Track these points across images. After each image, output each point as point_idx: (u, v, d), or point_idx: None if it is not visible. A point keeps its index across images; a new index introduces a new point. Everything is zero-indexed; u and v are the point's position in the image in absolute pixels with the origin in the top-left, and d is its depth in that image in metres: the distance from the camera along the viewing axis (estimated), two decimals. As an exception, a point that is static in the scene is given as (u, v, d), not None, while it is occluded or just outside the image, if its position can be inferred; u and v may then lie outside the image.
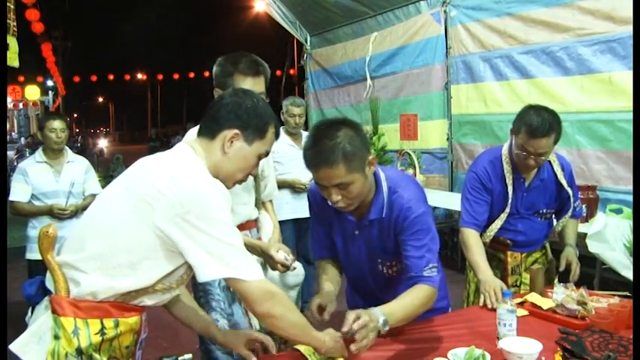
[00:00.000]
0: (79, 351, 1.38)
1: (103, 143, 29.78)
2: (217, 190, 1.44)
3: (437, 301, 1.93)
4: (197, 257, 1.40)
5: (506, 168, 2.40)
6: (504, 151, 2.43)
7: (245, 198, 2.21)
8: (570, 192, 2.44)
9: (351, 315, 1.55)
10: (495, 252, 2.56)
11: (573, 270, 2.40)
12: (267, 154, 1.62)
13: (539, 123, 2.20)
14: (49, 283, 1.47)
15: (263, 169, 2.31)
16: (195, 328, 1.74)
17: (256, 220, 2.31)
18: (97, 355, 1.41)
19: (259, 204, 2.32)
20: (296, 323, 1.52)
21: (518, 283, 2.52)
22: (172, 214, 1.38)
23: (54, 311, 1.40)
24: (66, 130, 3.56)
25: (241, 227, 2.19)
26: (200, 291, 2.11)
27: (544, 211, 2.49)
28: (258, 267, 1.48)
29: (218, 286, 2.11)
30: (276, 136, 1.63)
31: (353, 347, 1.52)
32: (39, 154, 3.58)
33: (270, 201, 2.46)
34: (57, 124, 3.51)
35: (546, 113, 2.25)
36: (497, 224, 2.45)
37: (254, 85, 2.00)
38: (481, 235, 2.50)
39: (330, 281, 1.89)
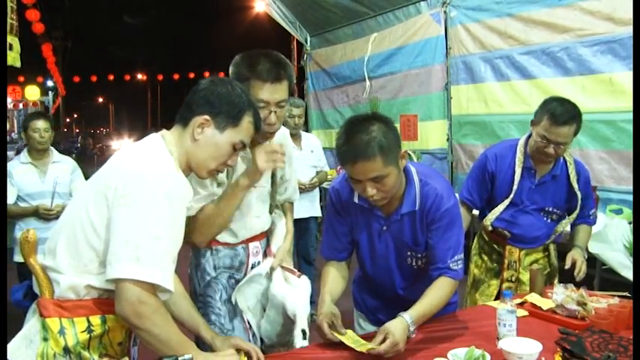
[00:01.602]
0: (66, 350, 1.38)
1: (117, 145, 29.53)
2: (170, 178, 1.40)
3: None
4: (114, 246, 1.33)
5: (519, 157, 2.44)
6: (521, 141, 2.48)
7: (259, 209, 2.05)
8: (579, 195, 2.44)
9: (380, 335, 1.63)
10: (496, 245, 2.60)
11: (578, 267, 2.39)
12: (242, 144, 1.55)
13: (562, 111, 2.26)
14: (37, 287, 1.47)
15: (284, 173, 2.15)
16: (185, 325, 1.71)
17: (268, 230, 2.14)
18: (85, 353, 1.41)
19: (273, 209, 2.16)
20: (167, 341, 1.38)
21: (513, 279, 2.55)
22: (115, 196, 1.35)
23: (41, 314, 1.40)
24: (50, 130, 3.50)
25: (252, 239, 2.06)
26: (200, 302, 1.99)
27: (550, 209, 2.49)
28: (169, 276, 1.38)
29: (219, 300, 2.00)
30: (256, 127, 1.57)
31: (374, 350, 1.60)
32: (24, 155, 3.53)
33: (291, 204, 2.29)
34: (40, 123, 3.45)
35: (569, 104, 2.31)
36: (500, 209, 2.48)
37: (274, 92, 1.80)
38: (482, 220, 2.58)
39: (332, 292, 1.88)
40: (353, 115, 1.75)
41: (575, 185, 2.44)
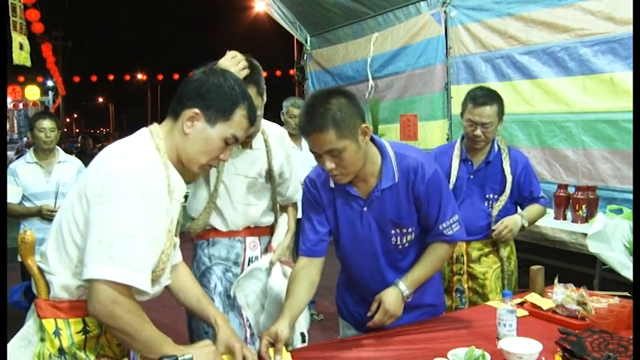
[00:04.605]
0: (61, 351, 1.38)
1: None
2: (147, 175, 1.34)
3: (435, 296, 2.01)
4: (89, 245, 1.30)
5: (456, 152, 2.63)
6: (459, 139, 2.68)
7: (250, 198, 2.09)
8: (509, 179, 2.57)
9: (375, 303, 1.79)
10: None
11: (500, 226, 2.51)
12: (235, 138, 1.49)
13: (481, 94, 2.52)
14: (35, 288, 1.46)
15: (283, 171, 2.18)
16: (196, 315, 1.70)
17: (271, 227, 2.19)
18: (81, 354, 1.40)
19: (276, 208, 2.20)
20: (141, 340, 1.35)
21: (461, 272, 2.62)
22: (92, 194, 1.32)
23: (37, 315, 1.40)
24: (56, 129, 3.51)
25: (249, 232, 2.11)
26: None
27: (491, 195, 2.59)
28: (145, 277, 1.33)
29: (214, 290, 2.06)
30: (251, 121, 1.52)
31: (370, 323, 1.79)
32: (29, 154, 3.54)
33: (295, 204, 2.32)
34: (46, 123, 3.46)
35: (487, 89, 2.59)
36: None
37: None
38: None
39: (293, 307, 1.75)
40: (318, 89, 1.78)
41: (507, 169, 2.57)
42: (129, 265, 1.29)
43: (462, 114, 2.60)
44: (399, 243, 1.87)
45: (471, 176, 2.61)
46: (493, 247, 2.62)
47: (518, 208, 2.68)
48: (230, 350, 1.55)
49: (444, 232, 1.85)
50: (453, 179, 2.59)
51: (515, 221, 2.53)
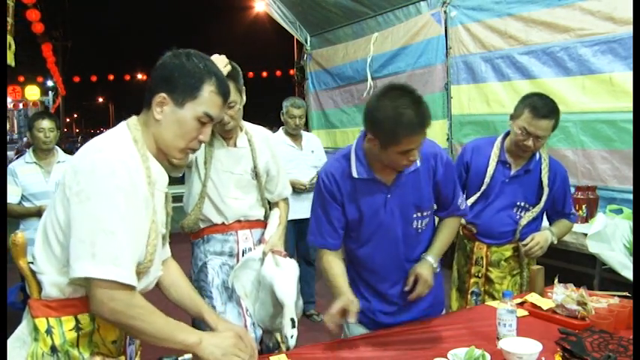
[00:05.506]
0: (54, 349, 1.37)
1: None
2: (122, 169, 1.33)
3: (437, 287, 2.04)
4: (72, 245, 1.30)
5: (494, 151, 2.52)
6: (500, 137, 2.56)
7: (238, 193, 2.20)
8: (546, 191, 2.47)
9: (411, 276, 1.90)
10: (467, 241, 2.64)
11: (530, 242, 2.42)
12: (209, 117, 1.44)
13: (542, 104, 2.35)
14: (28, 288, 1.46)
15: (269, 168, 2.28)
16: (188, 312, 1.70)
17: (261, 221, 2.29)
18: (74, 352, 1.39)
19: (265, 203, 2.30)
20: (154, 331, 1.36)
21: (480, 275, 2.58)
22: (71, 194, 1.32)
23: (31, 314, 1.40)
24: (55, 129, 3.52)
25: (240, 226, 2.21)
26: (195, 287, 2.09)
27: (522, 203, 2.50)
28: (127, 272, 1.32)
29: (211, 283, 2.15)
30: (224, 95, 1.47)
31: (412, 295, 1.89)
32: (29, 154, 3.56)
33: (285, 200, 2.42)
34: (45, 123, 3.47)
35: (548, 99, 2.40)
36: (471, 201, 2.52)
37: None
38: None
39: (343, 277, 1.92)
40: (391, 84, 1.79)
41: (545, 180, 2.47)
42: (111, 262, 1.29)
43: (511, 116, 2.44)
44: (418, 227, 1.95)
45: (506, 180, 2.49)
46: (514, 252, 2.54)
47: (545, 218, 2.61)
48: (238, 335, 1.56)
49: (460, 206, 2.03)
50: (487, 179, 2.49)
51: (546, 238, 2.42)
